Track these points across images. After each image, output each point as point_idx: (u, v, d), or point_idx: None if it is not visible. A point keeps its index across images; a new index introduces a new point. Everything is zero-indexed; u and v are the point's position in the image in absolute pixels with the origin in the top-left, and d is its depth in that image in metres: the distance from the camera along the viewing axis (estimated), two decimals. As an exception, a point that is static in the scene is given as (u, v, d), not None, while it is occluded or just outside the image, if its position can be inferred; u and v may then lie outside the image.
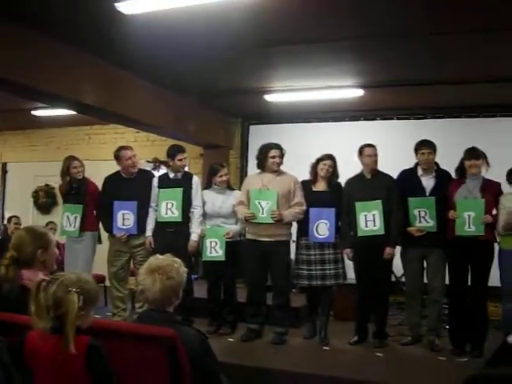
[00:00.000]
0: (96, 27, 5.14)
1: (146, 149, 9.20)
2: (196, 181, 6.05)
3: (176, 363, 2.34)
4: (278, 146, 5.70)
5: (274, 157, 5.63)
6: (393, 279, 6.19)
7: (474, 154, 5.27)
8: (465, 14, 4.69)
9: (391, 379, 4.67)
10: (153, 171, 7.42)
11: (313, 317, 5.90)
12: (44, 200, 10.31)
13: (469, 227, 5.15)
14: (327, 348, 5.52)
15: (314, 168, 5.72)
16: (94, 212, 6.23)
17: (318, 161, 5.70)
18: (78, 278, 2.35)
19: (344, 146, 6.73)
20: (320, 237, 5.52)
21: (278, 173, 5.69)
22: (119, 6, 4.55)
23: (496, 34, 5.07)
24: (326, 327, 5.70)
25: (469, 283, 5.29)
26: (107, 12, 4.64)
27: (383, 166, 5.75)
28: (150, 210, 5.97)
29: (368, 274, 5.51)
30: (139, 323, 2.60)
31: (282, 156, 5.68)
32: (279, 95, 7.44)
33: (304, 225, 5.62)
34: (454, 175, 5.45)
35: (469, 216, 5.14)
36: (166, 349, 2.32)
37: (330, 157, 5.71)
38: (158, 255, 2.73)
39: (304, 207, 5.56)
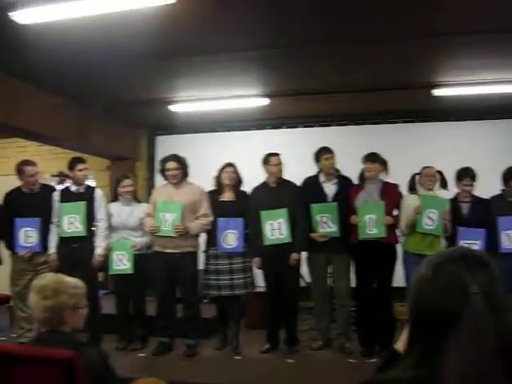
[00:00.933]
0: (-10, 38, 4.94)
1: (50, 162, 8.90)
2: (99, 194, 5.92)
3: (74, 385, 2.25)
4: (174, 158, 5.65)
5: (168, 169, 5.60)
6: (303, 285, 6.26)
7: (369, 157, 5.47)
8: (363, 25, 4.83)
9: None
10: (58, 185, 7.21)
11: (224, 327, 5.87)
12: None
13: (371, 230, 5.31)
14: (239, 357, 5.52)
15: (218, 178, 5.72)
16: None
17: (220, 171, 5.72)
18: None
19: (251, 154, 6.75)
20: (228, 247, 5.52)
21: (184, 183, 5.65)
22: (13, 16, 4.38)
23: (395, 43, 5.26)
24: (237, 336, 5.71)
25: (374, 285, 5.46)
26: (1, 21, 4.45)
27: (290, 174, 5.83)
28: (52, 225, 5.77)
29: (277, 281, 5.57)
30: (36, 345, 2.49)
31: (181, 167, 5.63)
32: (184, 105, 7.37)
33: (212, 235, 5.61)
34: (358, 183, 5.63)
35: (370, 219, 5.30)
36: (64, 371, 2.23)
37: (230, 164, 5.74)
38: (46, 274, 2.64)
39: (211, 218, 5.55)
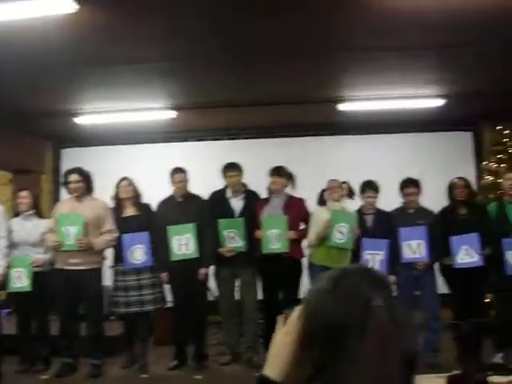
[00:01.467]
0: None
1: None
2: (0, 210, 5.65)
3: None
4: (76, 171, 5.52)
5: (70, 182, 5.46)
6: (211, 299, 6.22)
7: (275, 171, 5.54)
8: (271, 37, 4.88)
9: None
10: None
11: (130, 344, 5.74)
12: None
13: (274, 244, 5.35)
14: (146, 376, 5.39)
15: (116, 194, 5.64)
16: None
17: (116, 186, 5.65)
18: None
19: (159, 168, 6.69)
20: (137, 262, 5.41)
21: (88, 198, 5.51)
22: None
23: (300, 58, 5.35)
24: (144, 354, 5.58)
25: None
26: None
27: (197, 187, 5.81)
28: None
29: (184, 296, 5.52)
30: None
31: (84, 180, 5.49)
32: (89, 117, 7.21)
33: (119, 251, 5.47)
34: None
35: (273, 233, 5.34)
36: None
37: (125, 178, 5.67)
38: None
39: (116, 234, 5.42)
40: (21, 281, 5.40)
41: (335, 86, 6.37)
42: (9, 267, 5.46)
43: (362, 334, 1.06)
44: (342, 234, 5.33)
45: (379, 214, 5.57)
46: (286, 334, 1.24)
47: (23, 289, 5.41)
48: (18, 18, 4.16)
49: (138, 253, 5.41)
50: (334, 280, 1.16)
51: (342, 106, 6.76)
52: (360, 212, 5.59)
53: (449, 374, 3.03)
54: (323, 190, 5.67)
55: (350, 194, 5.67)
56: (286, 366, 1.22)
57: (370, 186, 5.54)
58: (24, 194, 5.72)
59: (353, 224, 5.36)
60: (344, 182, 5.64)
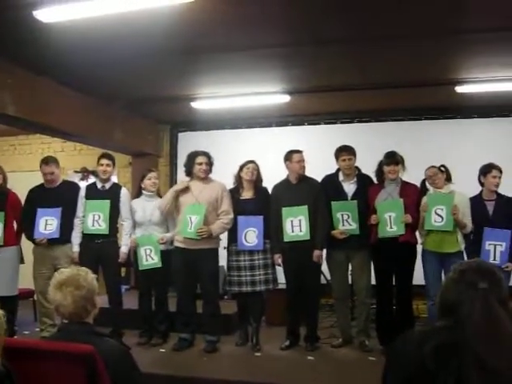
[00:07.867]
0: (15, 35, 4.99)
1: (73, 158, 9.02)
2: (125, 193, 5.96)
3: (95, 380, 2.27)
4: (205, 154, 5.69)
5: (200, 163, 5.62)
6: (324, 282, 6.25)
7: (393, 160, 5.44)
8: (388, 21, 4.82)
9: (322, 382, 4.72)
10: (81, 181, 7.28)
11: (244, 323, 5.89)
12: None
13: (390, 227, 5.32)
14: (259, 354, 5.52)
15: (238, 175, 5.75)
16: (15, 226, 5.99)
17: (241, 167, 5.74)
18: None
19: (272, 151, 6.79)
20: (248, 245, 5.55)
21: (207, 180, 5.68)
22: (37, 14, 4.42)
23: (417, 41, 5.25)
24: (257, 333, 5.72)
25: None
26: (25, 20, 4.52)
27: (311, 171, 5.82)
28: (77, 221, 5.80)
29: (297, 277, 5.57)
30: (58, 337, 2.51)
31: (209, 164, 5.67)
32: (206, 102, 7.40)
33: (233, 232, 5.63)
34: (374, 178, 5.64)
35: (389, 217, 5.31)
36: (85, 366, 2.24)
37: (252, 161, 5.76)
38: (62, 269, 2.62)
39: (231, 216, 5.57)
40: (151, 258, 5.66)
41: (454, 67, 6.18)
42: (135, 245, 5.74)
43: (471, 307, 1.60)
44: (439, 217, 5.26)
45: (501, 200, 5.37)
46: None
47: (155, 265, 5.67)
48: (138, 8, 4.32)
49: (251, 236, 5.54)
50: (459, 272, 1.73)
51: (461, 89, 6.54)
52: (480, 198, 5.43)
53: None
54: (424, 180, 5.58)
55: (448, 177, 5.53)
56: None
57: (493, 167, 5.35)
58: (154, 174, 6.00)
59: (450, 205, 5.23)
60: (441, 166, 5.52)
